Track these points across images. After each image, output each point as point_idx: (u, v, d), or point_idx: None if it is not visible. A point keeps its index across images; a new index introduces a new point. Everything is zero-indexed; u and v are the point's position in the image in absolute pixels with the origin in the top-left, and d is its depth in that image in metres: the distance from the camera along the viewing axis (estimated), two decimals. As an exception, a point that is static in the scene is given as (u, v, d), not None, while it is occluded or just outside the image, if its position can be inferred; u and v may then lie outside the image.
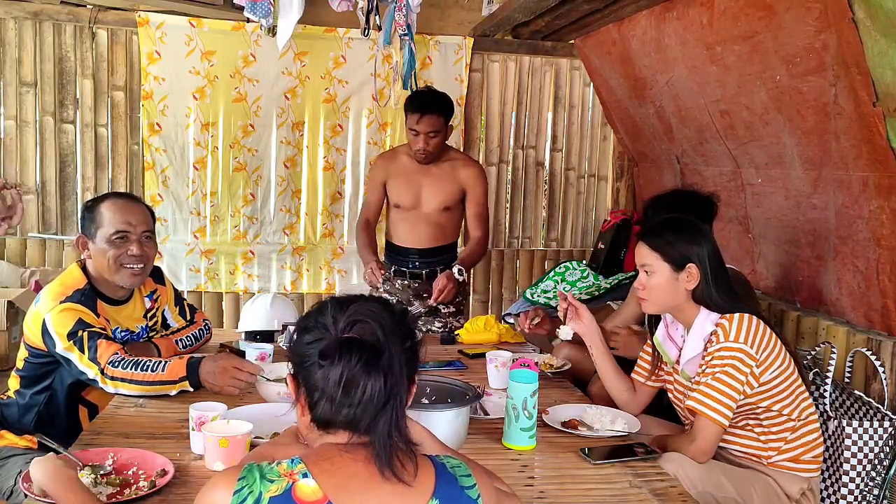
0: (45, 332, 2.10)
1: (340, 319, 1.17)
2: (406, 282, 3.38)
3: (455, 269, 3.17)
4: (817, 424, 2.09)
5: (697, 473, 1.89)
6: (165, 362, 2.10)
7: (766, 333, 1.98)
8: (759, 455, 2.03)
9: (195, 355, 2.16)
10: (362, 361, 1.12)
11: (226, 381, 2.07)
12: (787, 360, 2.03)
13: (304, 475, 1.11)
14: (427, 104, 3.15)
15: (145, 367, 2.08)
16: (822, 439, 2.11)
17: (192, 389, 2.09)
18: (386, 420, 1.13)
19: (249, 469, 1.13)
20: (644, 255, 2.10)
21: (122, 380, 2.05)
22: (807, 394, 2.08)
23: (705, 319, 2.03)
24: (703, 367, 1.99)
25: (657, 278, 2.07)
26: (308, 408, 1.18)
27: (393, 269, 3.40)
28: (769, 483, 2.01)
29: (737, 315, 1.98)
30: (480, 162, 4.55)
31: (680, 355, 2.11)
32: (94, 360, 2.06)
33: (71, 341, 2.07)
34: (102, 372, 2.05)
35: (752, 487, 1.97)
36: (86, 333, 2.08)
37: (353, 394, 1.13)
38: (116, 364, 2.05)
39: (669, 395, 2.22)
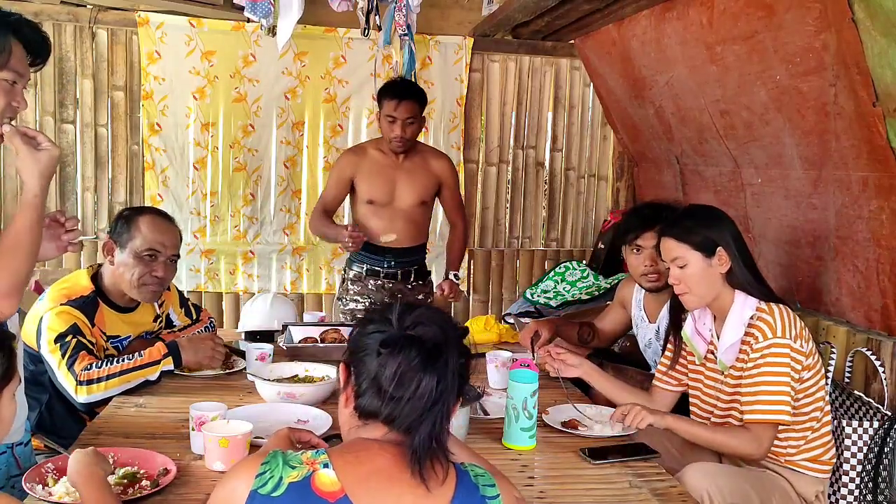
0: (39, 331, 2.11)
1: (406, 318, 1.20)
2: (380, 282, 3.29)
3: (452, 276, 3.19)
4: (831, 426, 2.09)
5: (727, 485, 1.86)
6: (141, 352, 2.15)
7: (803, 328, 2.00)
8: (777, 452, 2.03)
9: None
10: (421, 358, 1.15)
11: (206, 354, 2.21)
12: (817, 356, 2.03)
13: (325, 465, 1.14)
14: (405, 91, 3.12)
15: (121, 360, 2.11)
16: (833, 440, 2.10)
17: (173, 368, 2.16)
18: (430, 422, 1.15)
19: (274, 455, 1.16)
20: (672, 248, 2.06)
21: (99, 380, 2.04)
22: (825, 391, 2.08)
23: (743, 304, 2.00)
24: (752, 367, 1.96)
25: (691, 269, 2.03)
26: (354, 396, 1.21)
27: (365, 268, 3.29)
28: (786, 488, 2.01)
29: (775, 307, 1.98)
30: (480, 162, 4.57)
31: (713, 349, 2.09)
32: (71, 369, 2.05)
33: (57, 344, 2.07)
34: (78, 381, 2.04)
35: (772, 495, 1.97)
36: (74, 341, 2.08)
37: (405, 388, 1.15)
38: (90, 367, 2.05)
39: (692, 391, 2.20)
